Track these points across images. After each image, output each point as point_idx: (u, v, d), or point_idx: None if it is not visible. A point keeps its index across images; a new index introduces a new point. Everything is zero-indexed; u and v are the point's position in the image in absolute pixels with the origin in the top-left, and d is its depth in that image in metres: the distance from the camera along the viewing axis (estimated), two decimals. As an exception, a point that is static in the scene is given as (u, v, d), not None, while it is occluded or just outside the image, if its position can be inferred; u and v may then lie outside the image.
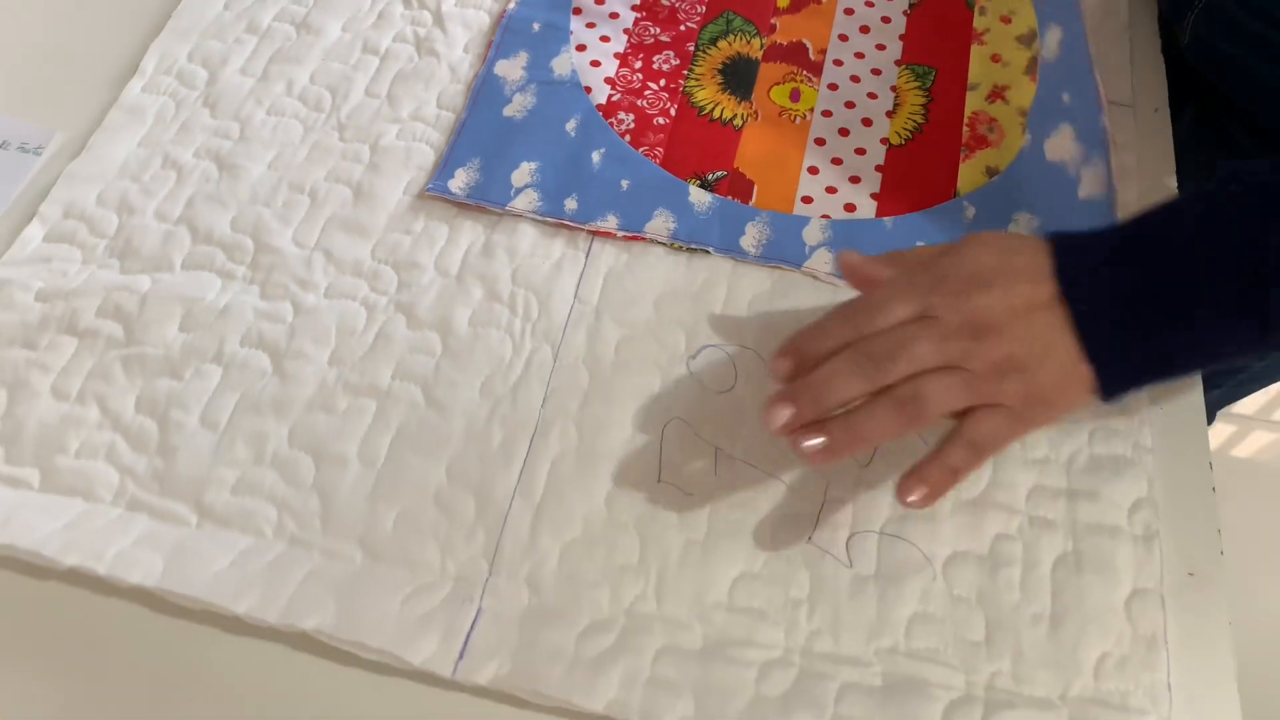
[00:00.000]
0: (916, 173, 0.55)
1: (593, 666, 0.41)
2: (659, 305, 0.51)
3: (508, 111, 0.56)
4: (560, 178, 0.54)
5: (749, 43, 0.61)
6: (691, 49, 0.60)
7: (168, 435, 0.46)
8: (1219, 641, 0.43)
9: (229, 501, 0.44)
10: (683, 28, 0.61)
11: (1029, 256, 0.42)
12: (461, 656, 0.41)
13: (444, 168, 0.54)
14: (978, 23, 0.62)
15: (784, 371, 0.42)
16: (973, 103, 0.58)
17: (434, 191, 0.53)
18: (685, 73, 0.59)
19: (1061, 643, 0.43)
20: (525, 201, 0.53)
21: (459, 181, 0.53)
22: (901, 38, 0.61)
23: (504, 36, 0.59)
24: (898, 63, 0.60)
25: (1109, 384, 0.41)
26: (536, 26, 0.60)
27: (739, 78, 0.59)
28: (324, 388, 0.47)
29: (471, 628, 0.41)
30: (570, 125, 0.56)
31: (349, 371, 0.48)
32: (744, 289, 0.51)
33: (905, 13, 0.63)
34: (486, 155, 0.54)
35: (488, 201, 0.53)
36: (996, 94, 0.59)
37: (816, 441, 0.40)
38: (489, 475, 0.45)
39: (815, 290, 0.51)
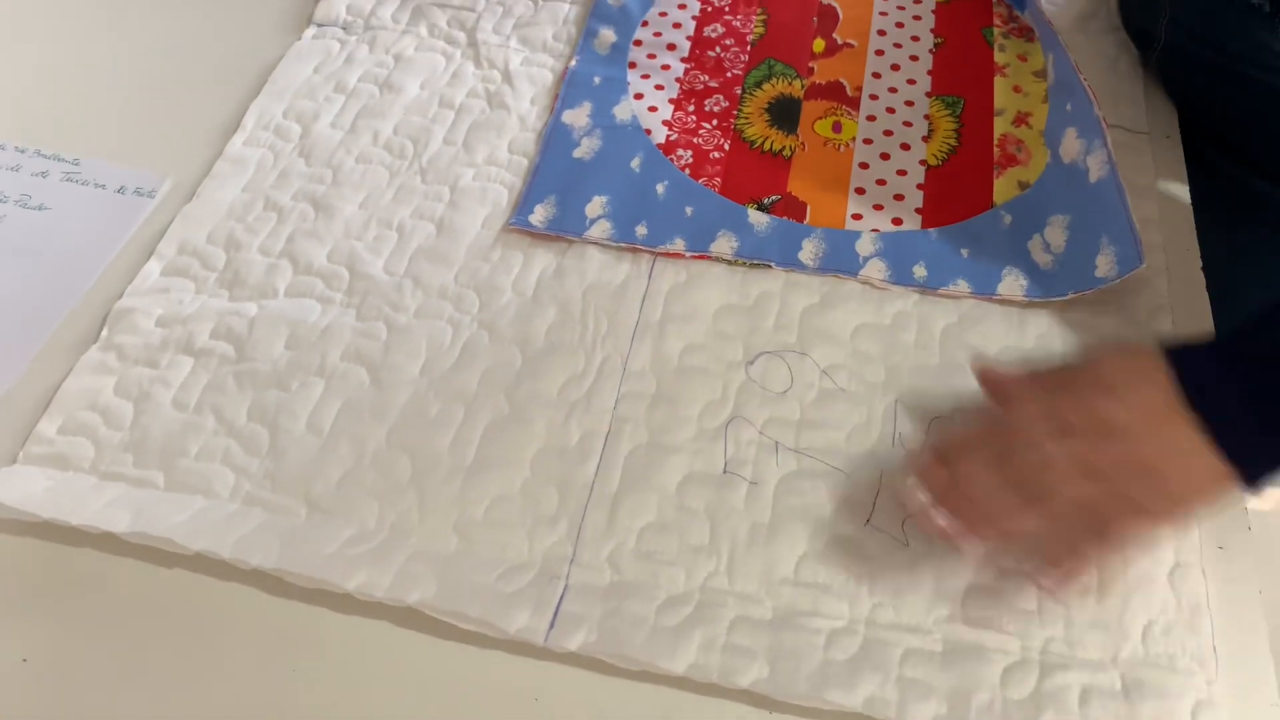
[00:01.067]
0: (955, 188, 0.61)
1: (673, 634, 0.44)
2: (717, 318, 0.55)
3: (577, 154, 0.62)
4: (629, 208, 0.59)
5: (790, 84, 0.66)
6: (739, 92, 0.66)
7: (277, 439, 0.51)
8: (1251, 608, 0.46)
9: (335, 495, 0.49)
10: (729, 74, 0.67)
11: (1148, 366, 0.44)
12: (552, 626, 0.44)
13: (524, 205, 0.59)
14: (998, 58, 0.68)
15: (939, 483, 0.45)
16: (1000, 126, 0.64)
17: (517, 225, 0.58)
18: (735, 113, 0.65)
19: (1109, 611, 0.45)
20: (599, 230, 0.58)
21: (538, 216, 0.59)
22: (930, 73, 0.67)
23: (568, 90, 0.66)
24: (928, 94, 0.66)
25: (1252, 476, 0.42)
26: (597, 80, 0.66)
27: (784, 115, 0.65)
28: (416, 395, 0.52)
29: (560, 601, 0.45)
30: (635, 163, 0.61)
31: (438, 381, 0.53)
32: (795, 302, 0.56)
33: (931, 51, 0.69)
34: (561, 192, 0.60)
35: (566, 231, 0.58)
36: (1021, 119, 0.64)
37: (961, 528, 0.44)
38: (569, 469, 0.50)
39: (861, 301, 0.56)
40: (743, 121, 0.64)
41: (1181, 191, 0.62)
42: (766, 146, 0.63)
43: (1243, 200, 0.64)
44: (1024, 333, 0.55)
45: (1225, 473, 0.42)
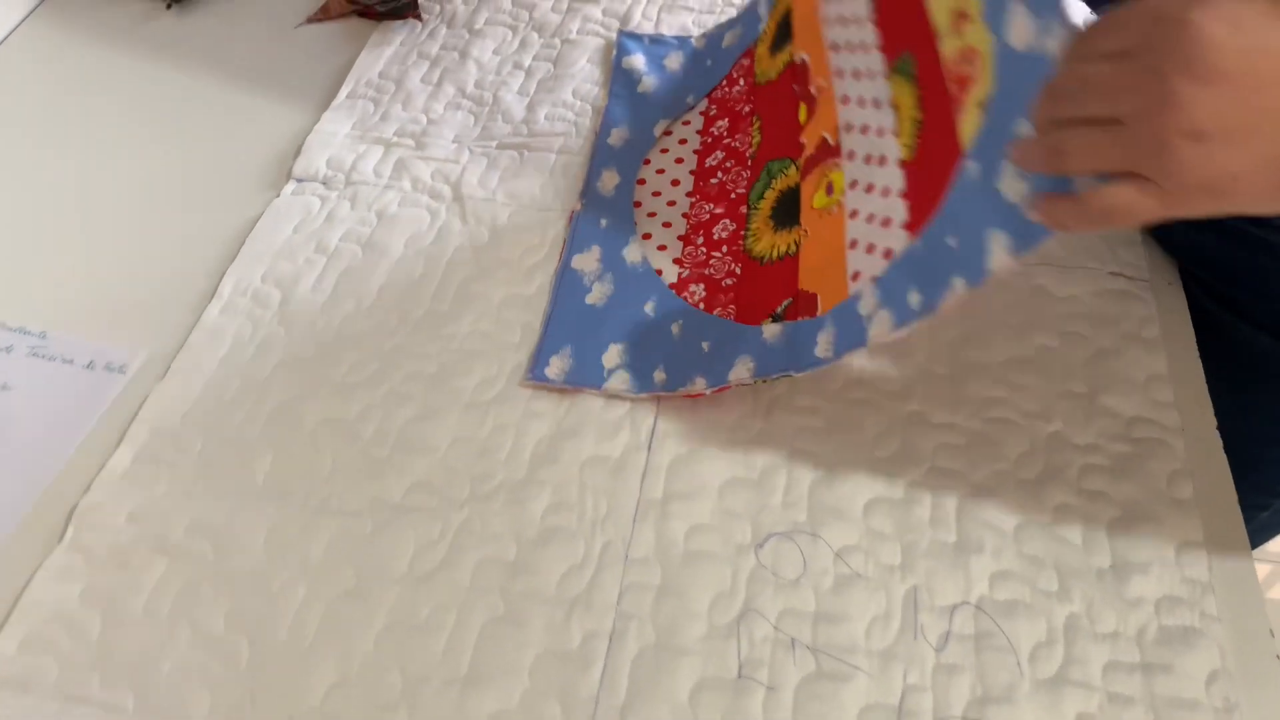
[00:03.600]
0: (931, 171, 0.53)
1: None
2: (722, 495, 0.53)
3: (589, 300, 0.60)
4: (647, 354, 0.57)
5: (788, 175, 0.63)
6: (744, 211, 0.64)
7: (257, 651, 0.47)
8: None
9: (320, 717, 0.45)
10: (733, 195, 0.65)
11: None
12: None
13: (539, 357, 0.57)
14: None
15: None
16: (946, 48, 0.54)
17: (534, 380, 0.56)
18: (743, 233, 0.63)
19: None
20: (619, 381, 0.56)
21: (554, 369, 0.57)
22: (880, 48, 0.60)
23: (575, 234, 0.64)
24: (886, 76, 0.59)
25: None
26: (604, 222, 0.65)
27: (786, 211, 0.61)
28: (403, 600, 0.49)
29: (568, 840, 0.42)
30: (649, 306, 0.60)
31: (427, 578, 0.49)
32: (802, 476, 0.53)
33: (873, 21, 0.61)
34: (576, 341, 0.58)
35: (584, 384, 0.56)
36: (959, 18, 0.52)
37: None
38: (571, 678, 0.46)
39: (871, 473, 0.53)
40: (751, 239, 0.62)
41: (1189, 343, 0.60)
42: (775, 255, 0.60)
43: (1244, 353, 0.62)
44: (1042, 506, 0.52)
45: None
